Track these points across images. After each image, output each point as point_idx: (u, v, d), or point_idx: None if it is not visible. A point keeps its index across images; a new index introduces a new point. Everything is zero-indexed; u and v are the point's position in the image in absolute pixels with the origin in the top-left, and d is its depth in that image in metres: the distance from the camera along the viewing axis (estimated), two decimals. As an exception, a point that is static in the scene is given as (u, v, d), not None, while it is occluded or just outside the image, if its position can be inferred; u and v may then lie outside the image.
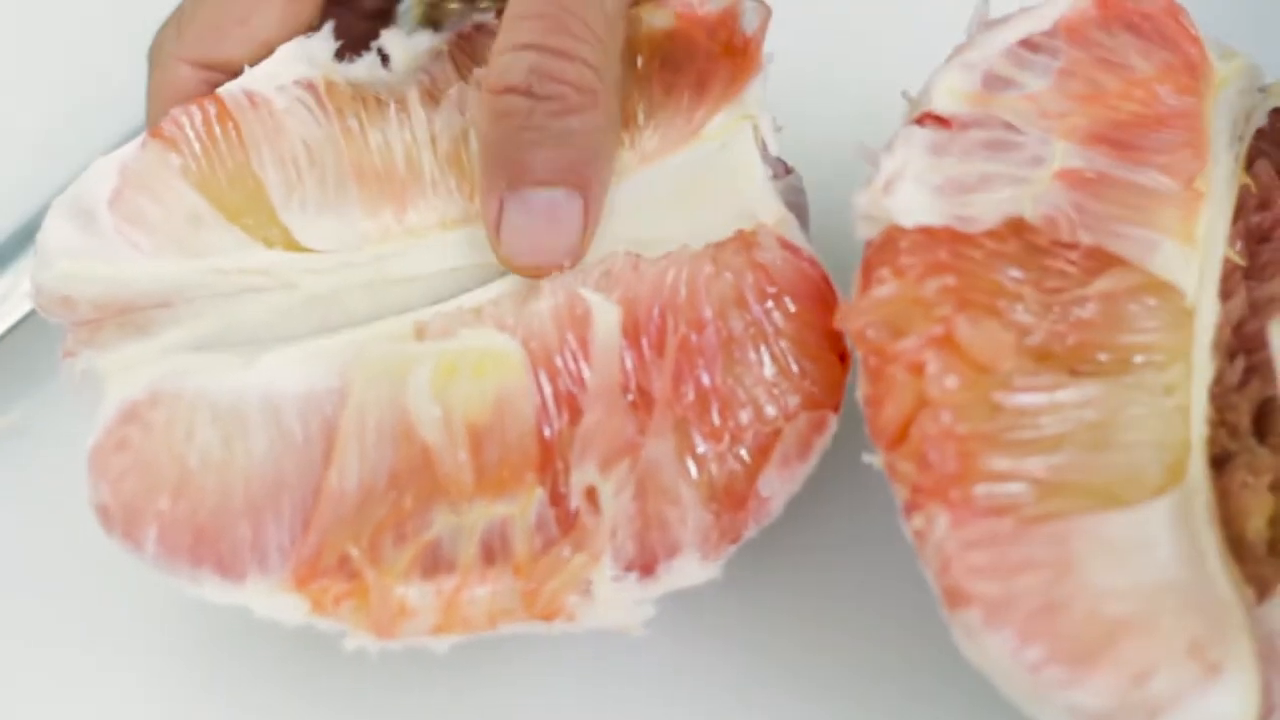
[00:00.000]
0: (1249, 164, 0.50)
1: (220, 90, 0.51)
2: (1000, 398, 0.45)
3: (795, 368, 0.49)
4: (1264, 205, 0.50)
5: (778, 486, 0.49)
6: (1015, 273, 0.47)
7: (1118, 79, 0.49)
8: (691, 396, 0.49)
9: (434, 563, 0.48)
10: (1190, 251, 0.47)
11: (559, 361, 0.49)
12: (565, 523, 0.48)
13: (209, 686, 0.55)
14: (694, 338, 0.49)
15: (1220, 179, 0.49)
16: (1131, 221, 0.47)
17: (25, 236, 0.60)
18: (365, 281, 0.50)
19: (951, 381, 0.45)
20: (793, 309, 0.49)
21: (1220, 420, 0.47)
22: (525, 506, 0.48)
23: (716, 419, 0.49)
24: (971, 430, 0.45)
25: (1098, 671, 0.43)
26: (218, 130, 0.51)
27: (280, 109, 0.51)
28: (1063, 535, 0.44)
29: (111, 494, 0.47)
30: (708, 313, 0.49)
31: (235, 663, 0.55)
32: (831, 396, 0.49)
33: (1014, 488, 0.45)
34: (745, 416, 0.49)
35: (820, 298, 0.50)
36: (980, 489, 0.44)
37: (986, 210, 0.47)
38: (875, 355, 0.46)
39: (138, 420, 0.48)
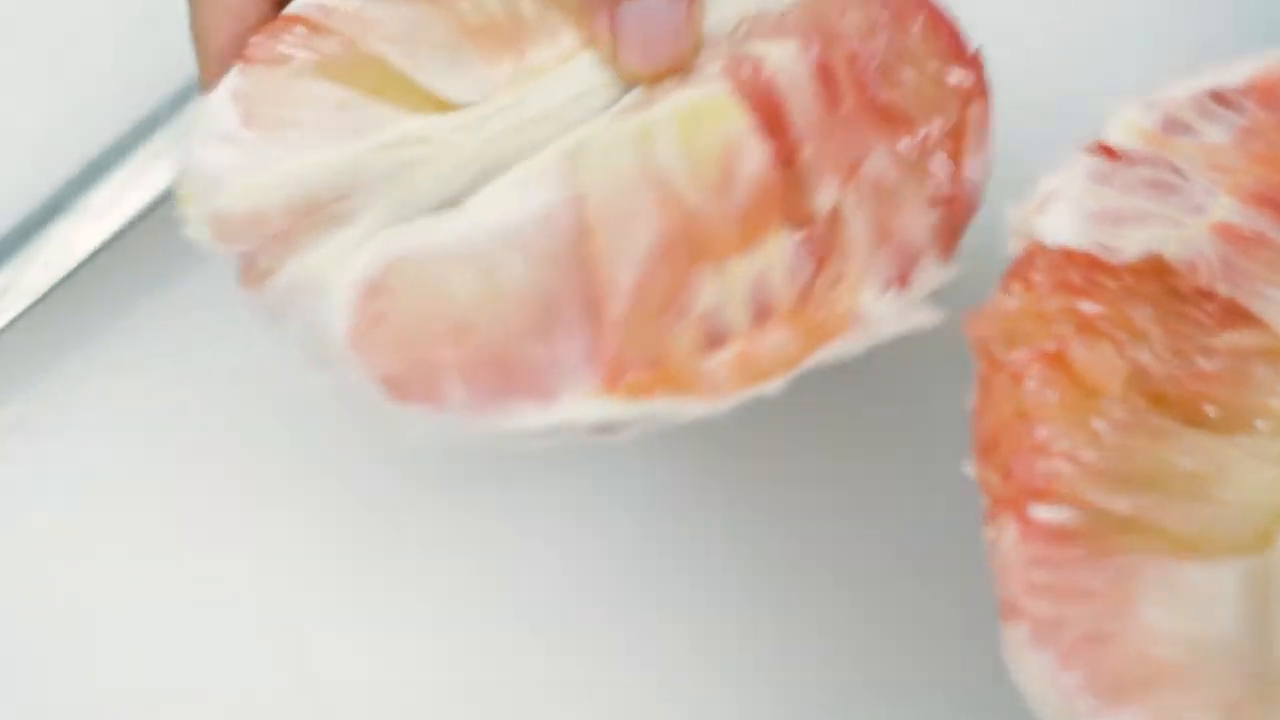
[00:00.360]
0: None
1: (288, 10, 0.51)
2: (1100, 426, 0.45)
3: (945, 73, 0.51)
4: None
5: (977, 172, 0.51)
6: (1146, 310, 0.46)
7: (1300, 146, 0.49)
8: (877, 115, 0.51)
9: (713, 334, 0.49)
10: (1329, 325, 0.46)
11: (761, 103, 0.50)
12: (819, 257, 0.50)
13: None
14: (854, 64, 0.51)
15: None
16: (1276, 284, 0.46)
17: (22, 234, 0.60)
18: (516, 125, 0.50)
19: (1052, 397, 0.45)
20: (920, 24, 0.51)
21: (1330, 501, 0.46)
22: (777, 252, 0.50)
23: (907, 129, 0.51)
24: (1063, 451, 0.45)
25: (1127, 710, 0.42)
26: (311, 35, 0.50)
27: (355, 8, 0.51)
28: (1128, 571, 0.43)
29: (392, 363, 0.47)
30: (854, 42, 0.51)
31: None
32: (981, 88, 0.51)
33: (1092, 516, 0.44)
34: (929, 121, 0.51)
35: (934, 12, 0.52)
36: (1056, 510, 0.44)
37: (1131, 243, 0.47)
38: (988, 364, 0.46)
39: (384, 292, 0.48)
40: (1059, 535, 0.44)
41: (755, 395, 0.48)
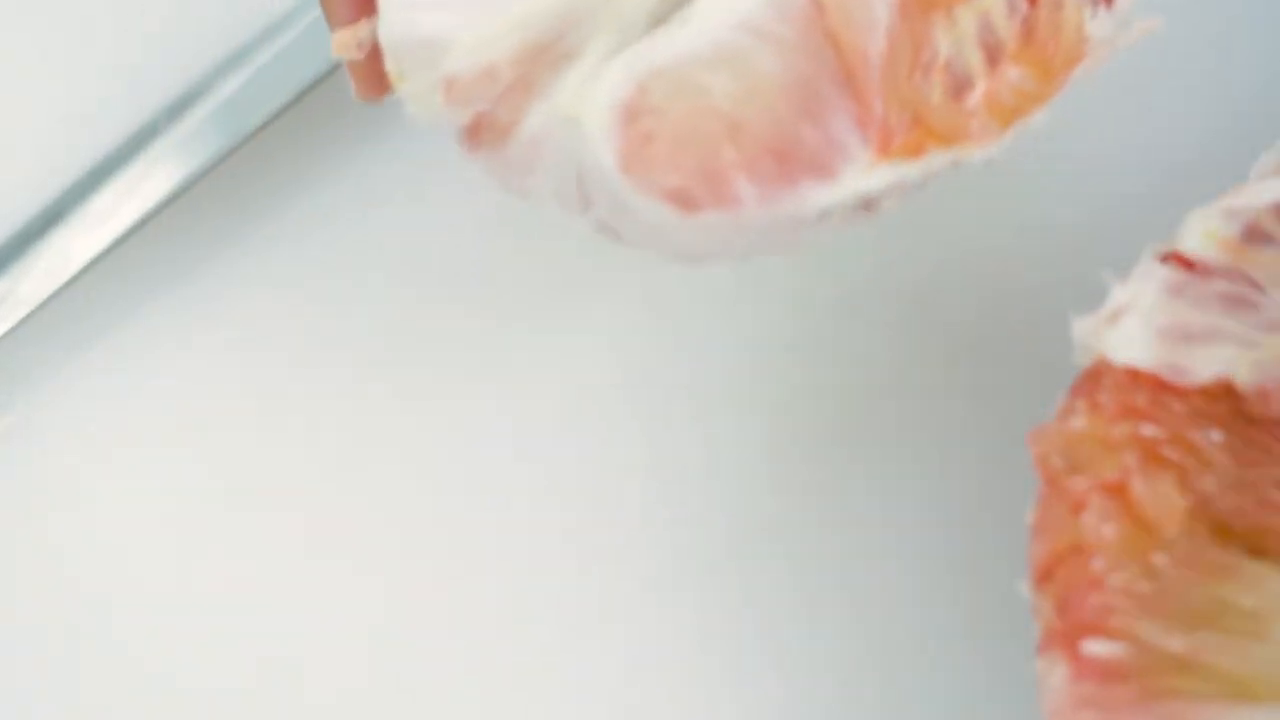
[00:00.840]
0: None
1: None
2: (1158, 560, 0.44)
3: None
4: None
5: None
6: (1215, 436, 0.45)
7: (1386, 260, 0.47)
8: None
9: (958, 83, 0.49)
10: (1403, 459, 0.45)
11: None
12: None
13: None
14: None
15: None
16: (1351, 413, 0.45)
17: (21, 242, 0.61)
18: None
19: (1109, 531, 0.44)
20: None
21: (1397, 640, 0.45)
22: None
23: None
24: (1119, 586, 0.44)
25: None
26: None
27: None
28: (1180, 716, 0.43)
29: (674, 177, 0.46)
30: None
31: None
32: None
33: (1145, 654, 0.44)
34: None
35: None
36: (1107, 647, 0.44)
37: (1201, 365, 0.46)
38: (1049, 485, 0.45)
39: (643, 111, 0.47)
40: (1110, 673, 0.43)
41: (1021, 131, 0.47)
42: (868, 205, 0.48)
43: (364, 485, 0.59)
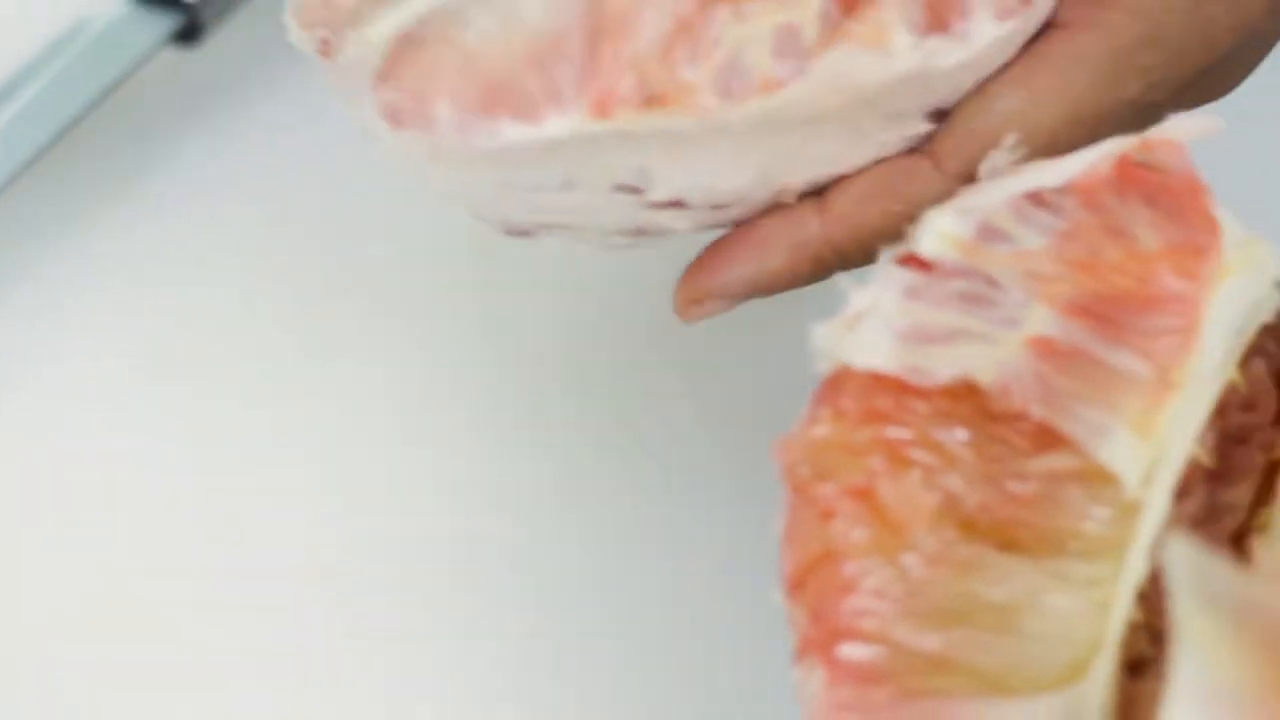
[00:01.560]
0: (1245, 361, 0.48)
1: None
2: (908, 561, 0.44)
3: None
4: (1249, 406, 0.47)
5: None
6: (960, 435, 0.45)
7: (1119, 250, 0.47)
8: None
9: (730, 80, 0.49)
10: (1143, 444, 0.45)
11: None
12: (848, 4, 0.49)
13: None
14: None
15: (1204, 373, 0.47)
16: (1090, 402, 0.45)
17: None
18: None
19: (859, 535, 0.44)
20: None
21: (1146, 623, 0.45)
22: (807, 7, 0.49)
23: None
24: (871, 589, 0.44)
25: None
26: None
27: None
28: (937, 715, 0.43)
29: (397, 92, 0.49)
30: None
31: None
32: None
33: (899, 657, 0.43)
34: None
35: None
36: (862, 650, 0.43)
37: (943, 365, 0.46)
38: (797, 494, 0.45)
39: (412, 40, 0.49)
40: (866, 676, 0.43)
41: (760, 109, 0.48)
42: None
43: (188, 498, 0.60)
